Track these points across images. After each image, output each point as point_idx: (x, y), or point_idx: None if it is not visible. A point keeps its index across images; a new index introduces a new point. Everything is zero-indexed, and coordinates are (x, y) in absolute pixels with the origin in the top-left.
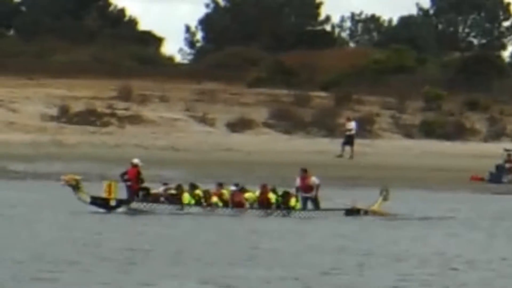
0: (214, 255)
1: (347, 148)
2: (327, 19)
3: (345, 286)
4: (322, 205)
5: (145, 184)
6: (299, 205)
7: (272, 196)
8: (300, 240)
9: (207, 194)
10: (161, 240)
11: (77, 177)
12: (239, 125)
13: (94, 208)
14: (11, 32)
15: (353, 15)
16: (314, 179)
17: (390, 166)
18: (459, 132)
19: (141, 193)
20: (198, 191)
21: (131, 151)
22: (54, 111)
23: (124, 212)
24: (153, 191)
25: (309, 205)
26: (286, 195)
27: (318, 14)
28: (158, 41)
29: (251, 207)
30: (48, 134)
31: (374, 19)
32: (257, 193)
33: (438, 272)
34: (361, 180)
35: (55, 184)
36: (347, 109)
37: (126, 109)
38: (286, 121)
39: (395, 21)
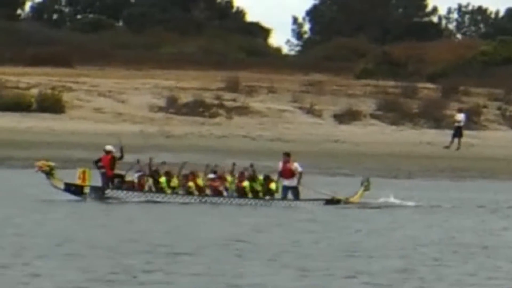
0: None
1: (456, 139)
2: (434, 10)
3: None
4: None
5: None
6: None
7: (246, 184)
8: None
9: (183, 180)
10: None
11: (51, 163)
12: (346, 117)
13: (68, 195)
14: (120, 23)
15: (460, 7)
16: (296, 165)
17: (497, 158)
18: None
19: (116, 180)
20: (174, 178)
21: (238, 142)
22: (162, 102)
23: (97, 199)
24: (127, 178)
25: (289, 194)
26: (266, 179)
27: (425, 6)
28: (266, 32)
29: (229, 195)
30: (156, 125)
31: (481, 10)
32: (231, 179)
33: None
34: (468, 171)
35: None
36: (454, 101)
37: (233, 100)
38: (393, 112)
39: (502, 12)
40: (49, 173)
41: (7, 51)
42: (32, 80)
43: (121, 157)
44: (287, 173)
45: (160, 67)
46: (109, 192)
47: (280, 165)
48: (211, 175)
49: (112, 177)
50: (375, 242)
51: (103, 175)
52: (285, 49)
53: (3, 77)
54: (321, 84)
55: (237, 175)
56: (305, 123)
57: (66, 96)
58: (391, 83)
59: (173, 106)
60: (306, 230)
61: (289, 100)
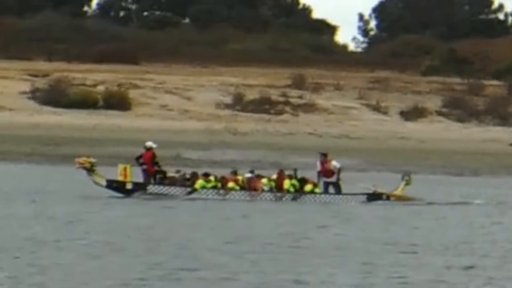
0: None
1: None
2: (500, 7)
3: None
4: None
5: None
6: (318, 190)
7: (287, 182)
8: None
9: (223, 181)
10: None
11: (92, 160)
12: (412, 114)
13: (110, 192)
14: (186, 20)
15: None
16: (334, 164)
17: None
18: None
19: (158, 176)
20: (211, 177)
21: (304, 139)
22: (228, 99)
23: (140, 196)
24: (169, 174)
25: (331, 189)
26: (302, 181)
27: (491, 3)
28: (332, 29)
29: (268, 190)
30: (222, 122)
31: None
32: (274, 177)
33: None
34: None
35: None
36: None
37: (299, 97)
38: (459, 109)
39: None
40: (90, 170)
41: (74, 49)
42: (99, 77)
43: (157, 164)
44: (326, 173)
45: (226, 64)
46: (150, 188)
47: (319, 165)
48: (248, 175)
49: (153, 173)
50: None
51: (145, 171)
52: (351, 46)
53: (70, 74)
54: (387, 81)
55: (275, 174)
56: (371, 120)
57: (132, 93)
58: (457, 80)
59: (239, 103)
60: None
61: (355, 97)
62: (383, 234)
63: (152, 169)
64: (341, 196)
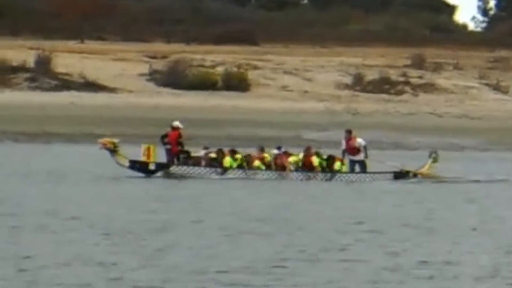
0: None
1: None
2: None
3: None
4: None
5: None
6: (345, 168)
7: (315, 160)
8: None
9: (249, 158)
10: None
11: (115, 140)
12: None
13: (132, 173)
14: (305, 1)
15: None
16: (359, 141)
17: None
18: None
19: (181, 156)
20: (238, 155)
21: (424, 119)
22: (348, 80)
23: (163, 176)
24: (193, 154)
25: (357, 168)
26: (330, 159)
27: None
28: (451, 9)
29: (295, 170)
30: (342, 102)
31: None
32: (301, 156)
33: None
34: None
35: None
36: None
37: (419, 77)
38: None
39: None
40: (113, 150)
41: (192, 30)
42: (218, 58)
43: (182, 144)
44: (352, 150)
45: (345, 45)
46: (174, 169)
47: (343, 143)
48: (275, 151)
49: (177, 153)
50: None
51: (168, 151)
52: (471, 26)
53: (188, 55)
54: (507, 60)
55: (303, 152)
56: (491, 99)
57: (251, 74)
58: None
59: (359, 84)
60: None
61: (475, 77)
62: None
63: (176, 149)
64: (367, 174)
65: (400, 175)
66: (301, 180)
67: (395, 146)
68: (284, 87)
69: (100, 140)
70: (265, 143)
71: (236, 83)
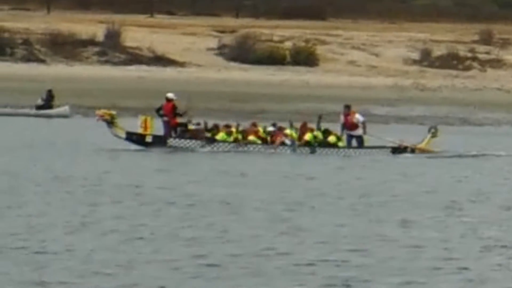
0: None
1: None
2: None
3: None
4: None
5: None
6: (341, 143)
7: (309, 135)
8: None
9: (243, 133)
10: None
11: (112, 112)
12: None
13: (129, 144)
14: None
15: None
16: (358, 117)
17: None
18: None
19: (179, 129)
20: (233, 129)
21: (492, 95)
22: (416, 55)
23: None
24: (190, 127)
25: (354, 142)
26: (326, 132)
27: None
28: None
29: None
30: (410, 78)
31: None
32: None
33: None
34: None
35: (418, 128)
36: None
37: (487, 53)
38: None
39: None
40: (110, 122)
41: (261, 4)
42: (286, 33)
43: (179, 115)
44: (350, 125)
45: (413, 20)
46: (171, 141)
47: (342, 118)
48: (270, 128)
49: (175, 126)
50: None
51: (166, 123)
52: None
53: (257, 30)
54: None
55: (299, 127)
56: None
57: (319, 49)
58: None
59: (426, 59)
60: None
61: None
62: None
63: (175, 121)
64: (364, 149)
65: (398, 150)
66: (290, 153)
67: (462, 121)
68: (352, 62)
69: (97, 112)
70: (331, 118)
71: (304, 58)
